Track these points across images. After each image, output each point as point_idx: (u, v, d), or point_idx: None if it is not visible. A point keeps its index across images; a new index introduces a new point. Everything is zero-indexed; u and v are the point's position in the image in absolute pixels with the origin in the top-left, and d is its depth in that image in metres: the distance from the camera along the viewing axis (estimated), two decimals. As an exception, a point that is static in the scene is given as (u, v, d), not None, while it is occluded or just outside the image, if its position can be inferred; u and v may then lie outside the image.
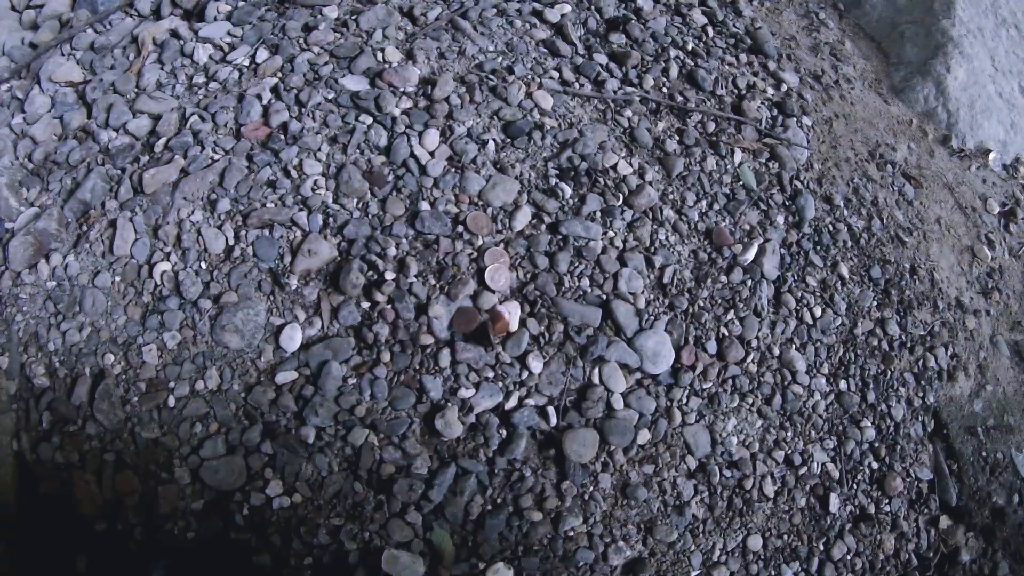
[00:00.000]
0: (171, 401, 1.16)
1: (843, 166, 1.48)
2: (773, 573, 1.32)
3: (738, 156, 1.36)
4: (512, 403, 1.15)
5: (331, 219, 1.17)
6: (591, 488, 1.18)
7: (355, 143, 1.22)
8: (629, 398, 1.20)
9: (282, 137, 1.23)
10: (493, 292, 1.17)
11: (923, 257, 1.51)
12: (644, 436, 1.20)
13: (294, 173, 1.21)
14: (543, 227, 1.20)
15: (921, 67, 1.69)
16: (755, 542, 1.31)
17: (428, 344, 1.13)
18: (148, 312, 1.17)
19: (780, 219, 1.35)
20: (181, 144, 1.27)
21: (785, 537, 1.32)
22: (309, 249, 1.15)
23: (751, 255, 1.29)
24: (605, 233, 1.22)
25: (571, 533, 1.18)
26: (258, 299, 1.15)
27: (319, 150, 1.23)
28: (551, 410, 1.16)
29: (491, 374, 1.14)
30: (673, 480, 1.24)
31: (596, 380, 1.19)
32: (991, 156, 1.71)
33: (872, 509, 1.38)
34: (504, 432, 1.14)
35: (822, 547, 1.34)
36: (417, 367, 1.13)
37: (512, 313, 1.16)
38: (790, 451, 1.34)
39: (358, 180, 1.19)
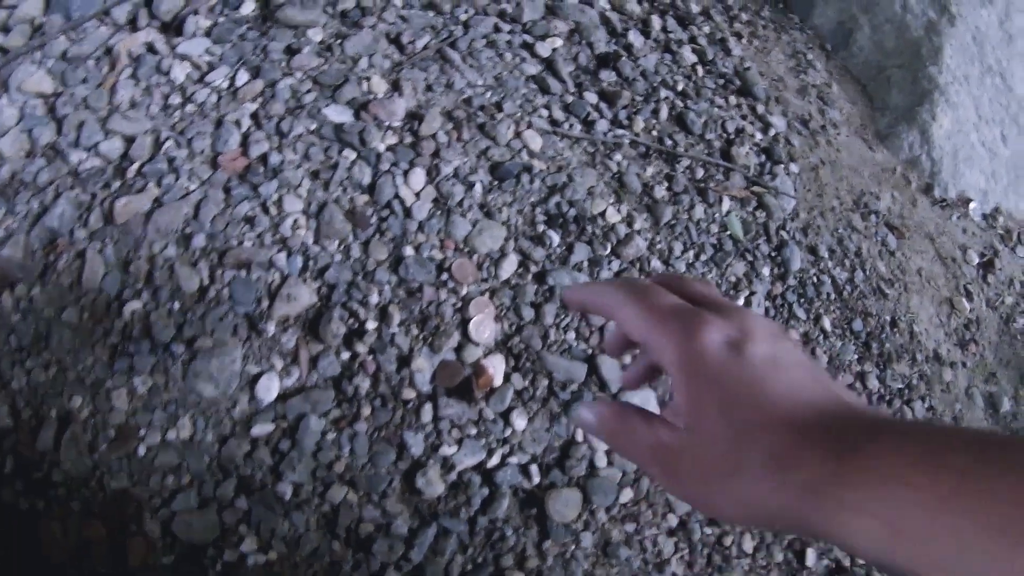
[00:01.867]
0: (141, 450, 1.13)
1: (828, 215, 1.50)
2: None
3: (726, 204, 1.38)
4: (495, 461, 1.15)
5: (311, 262, 1.16)
6: (573, 547, 1.19)
7: (338, 180, 1.21)
8: (612, 456, 1.20)
9: (261, 169, 1.22)
10: (477, 345, 1.17)
11: (903, 309, 1.54)
12: (627, 495, 1.21)
13: (273, 210, 1.19)
14: (530, 276, 1.20)
15: (907, 113, 1.73)
16: None
17: (410, 399, 1.13)
18: (117, 353, 1.15)
19: (766, 271, 1.37)
20: (155, 171, 1.25)
21: (762, 594, 1.32)
22: (288, 294, 1.13)
23: (737, 308, 1.29)
24: (592, 284, 1.21)
25: (552, 594, 1.19)
26: (234, 345, 1.13)
27: (300, 186, 1.22)
28: (534, 468, 1.16)
29: (474, 431, 1.14)
30: (654, 538, 1.25)
31: (580, 438, 1.19)
32: (971, 206, 1.76)
33: (848, 562, 1.42)
34: (486, 491, 1.15)
35: None
36: (398, 422, 1.12)
37: (496, 367, 1.16)
38: None
39: (340, 220, 1.18)
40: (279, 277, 1.18)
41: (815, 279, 1.47)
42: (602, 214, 1.30)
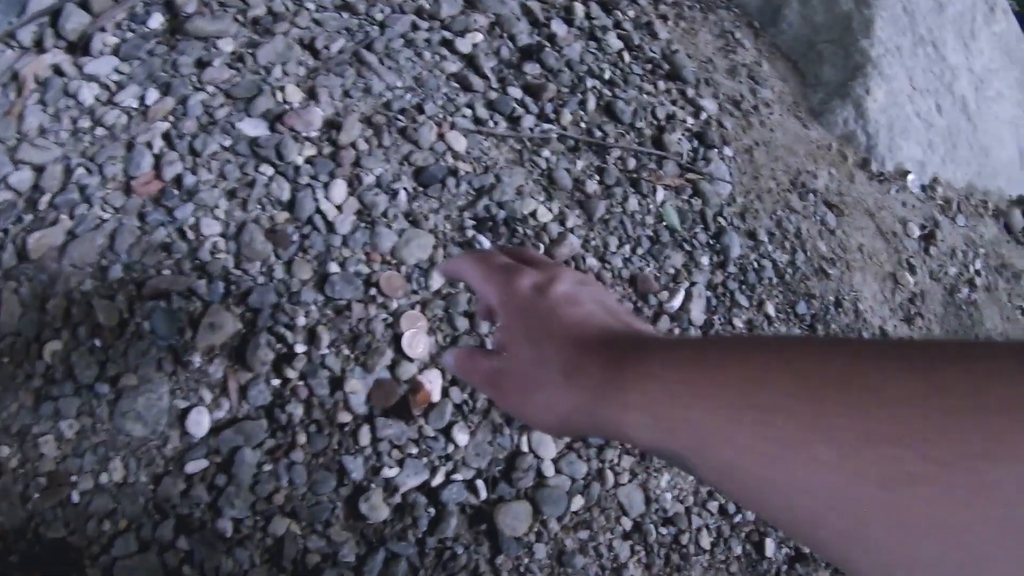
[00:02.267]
0: (75, 497, 1.08)
1: (765, 198, 1.48)
2: None
3: (660, 194, 1.35)
4: (439, 479, 1.12)
5: (233, 287, 1.11)
6: (526, 560, 1.17)
7: (256, 198, 1.16)
8: (560, 463, 1.18)
9: (176, 192, 1.17)
10: (412, 360, 1.14)
11: (847, 288, 1.53)
12: (578, 502, 1.19)
13: (190, 234, 1.15)
14: (461, 285, 1.14)
15: (840, 88, 1.72)
16: None
17: (346, 422, 1.10)
18: (41, 397, 1.09)
19: (705, 260, 1.35)
20: (67, 202, 1.19)
21: (723, 588, 1.31)
22: (211, 323, 1.09)
23: (678, 301, 1.29)
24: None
25: (509, 610, 1.18)
26: (159, 380, 1.09)
27: (217, 207, 1.17)
28: (480, 483, 1.13)
29: (415, 450, 1.11)
30: (609, 543, 1.23)
31: (525, 447, 1.17)
32: (909, 178, 1.76)
33: (807, 550, 1.41)
34: (433, 511, 1.13)
35: None
36: (336, 447, 1.09)
37: (433, 382, 1.13)
38: (724, 501, 1.35)
39: (260, 241, 1.13)
40: (200, 305, 1.13)
41: (756, 264, 1.45)
42: (533, 214, 1.27)
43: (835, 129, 1.76)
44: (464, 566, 1.16)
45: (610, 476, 1.25)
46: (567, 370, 0.49)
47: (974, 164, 1.93)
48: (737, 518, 1.38)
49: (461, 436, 1.15)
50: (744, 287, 1.43)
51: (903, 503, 0.29)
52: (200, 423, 1.10)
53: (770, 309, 1.43)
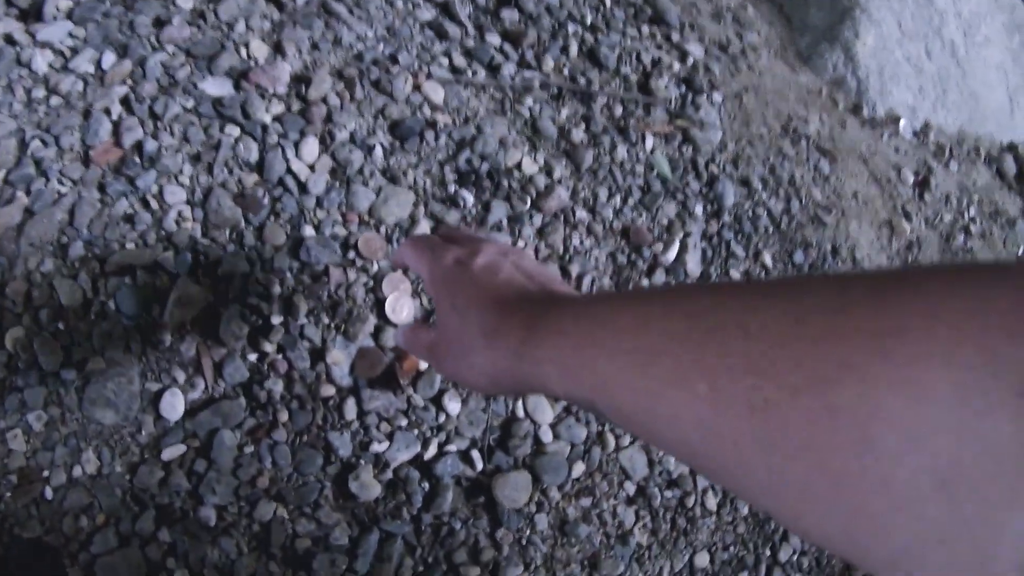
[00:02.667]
0: (48, 493, 0.98)
1: (757, 144, 1.40)
2: None
3: (650, 142, 1.26)
4: (432, 452, 1.03)
5: (202, 257, 1.02)
6: (528, 532, 1.08)
7: (222, 161, 1.06)
8: (558, 428, 1.09)
9: (137, 160, 1.07)
10: (396, 326, 1.02)
11: (843, 235, 1.46)
12: (579, 468, 1.10)
13: (154, 203, 1.05)
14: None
15: (828, 32, 1.63)
16: (702, 559, 1.27)
17: (330, 396, 1.01)
18: (6, 389, 0.99)
19: (699, 209, 1.26)
20: (23, 177, 1.07)
21: (731, 549, 1.28)
22: (179, 297, 0.99)
23: (673, 253, 1.20)
24: (515, 243, 1.08)
25: (512, 585, 1.10)
26: (128, 362, 0.99)
27: (181, 172, 1.07)
28: (475, 454, 1.05)
29: (404, 422, 1.01)
30: (613, 509, 1.15)
31: (521, 413, 1.08)
32: (901, 123, 1.68)
33: None
34: (427, 485, 1.04)
35: (768, 552, 1.30)
36: (320, 424, 0.99)
37: (422, 348, 1.01)
38: None
39: (229, 207, 1.03)
40: (167, 279, 1.03)
41: (751, 213, 1.36)
42: (518, 166, 1.17)
43: (824, 74, 1.67)
44: (463, 542, 1.07)
45: (611, 440, 1.16)
46: (488, 333, 0.52)
47: (965, 110, 1.85)
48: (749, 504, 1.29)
49: (453, 404, 1.06)
50: (740, 237, 1.34)
51: (766, 429, 0.31)
52: (174, 406, 1.00)
53: (767, 259, 1.35)
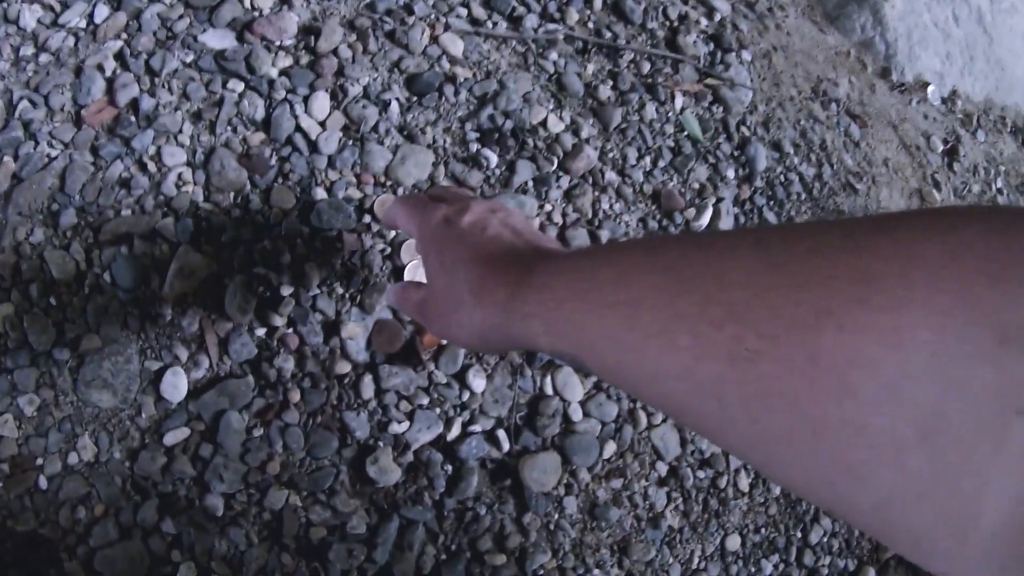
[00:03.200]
0: (43, 482, 0.89)
1: (788, 106, 1.28)
2: (753, 570, 1.17)
3: (679, 101, 1.15)
4: (455, 432, 0.92)
5: (204, 223, 0.90)
6: (556, 516, 0.98)
7: (225, 118, 0.95)
8: (588, 406, 0.99)
9: (133, 119, 0.96)
10: None
11: (875, 203, 1.35)
12: (610, 448, 0.99)
13: (152, 166, 0.93)
14: (469, 208, 0.93)
15: (855, -9, 1.49)
16: (733, 542, 1.17)
17: (345, 373, 0.89)
18: None
19: (730, 173, 1.15)
20: (9, 141, 0.96)
21: (763, 531, 1.19)
22: (180, 267, 0.87)
23: (705, 219, 1.09)
24: (542, 207, 0.97)
25: (540, 571, 1.00)
26: (126, 339, 0.89)
27: (180, 132, 0.96)
28: (501, 434, 0.94)
29: (426, 400, 0.90)
30: (644, 491, 1.05)
31: (549, 390, 0.97)
32: (929, 89, 1.58)
33: None
34: (450, 468, 0.93)
35: (799, 534, 1.20)
36: (335, 403, 0.88)
37: (444, 320, 0.90)
38: None
39: (233, 168, 0.92)
40: (167, 248, 0.92)
41: (783, 178, 1.25)
42: (543, 123, 1.05)
43: (852, 35, 1.55)
44: (488, 528, 0.96)
45: (643, 417, 1.05)
46: (476, 290, 0.50)
47: (991, 78, 1.74)
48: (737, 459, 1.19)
49: (477, 381, 0.95)
50: (772, 203, 1.23)
51: (748, 379, 0.30)
52: (176, 386, 0.89)
53: (800, 227, 1.23)
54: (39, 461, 0.89)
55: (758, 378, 0.29)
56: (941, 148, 1.56)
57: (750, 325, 0.30)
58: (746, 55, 1.31)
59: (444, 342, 0.93)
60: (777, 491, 1.19)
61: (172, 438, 0.88)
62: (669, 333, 0.33)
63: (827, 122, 1.38)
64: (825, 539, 1.23)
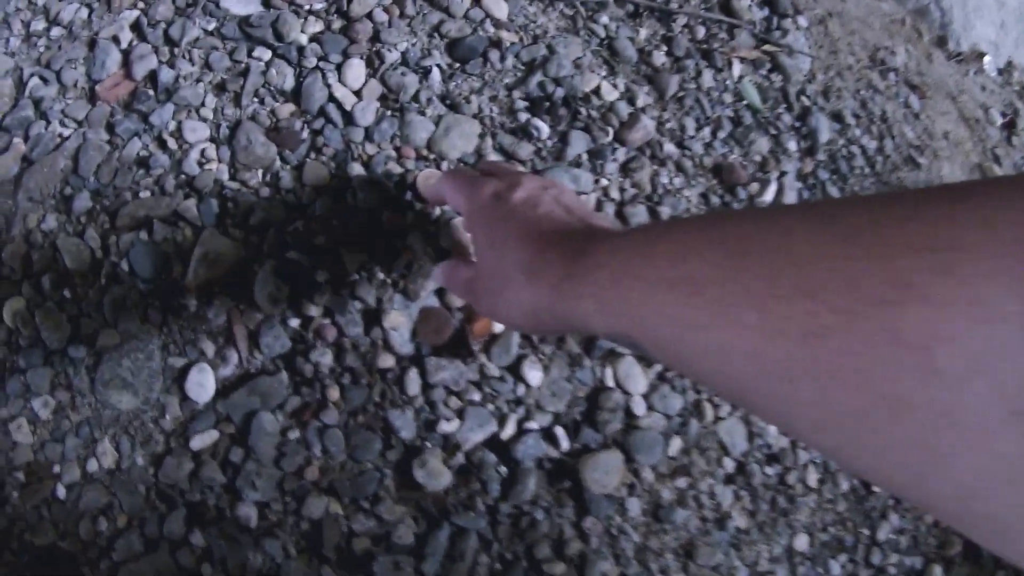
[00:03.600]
0: (61, 491, 0.79)
1: (846, 75, 1.17)
2: (820, 571, 1.05)
3: (737, 69, 1.04)
4: (510, 430, 0.81)
5: (230, 204, 0.80)
6: (618, 519, 0.87)
7: (251, 89, 0.84)
8: (652, 398, 0.88)
9: (151, 92, 0.86)
10: None
11: (936, 179, 1.24)
12: (675, 444, 0.88)
13: (172, 142, 0.83)
14: (519, 184, 0.82)
15: (910, -47, 1.37)
16: (801, 541, 1.05)
17: (388, 367, 0.79)
18: (6, 372, 0.80)
19: (792, 145, 1.04)
20: (19, 121, 0.87)
21: (831, 529, 1.09)
22: (205, 253, 0.77)
23: (770, 194, 0.98)
24: (597, 181, 0.86)
25: (602, 581, 0.89)
26: (146, 334, 0.79)
27: (203, 105, 0.86)
28: (560, 431, 0.83)
29: (477, 395, 0.80)
30: (711, 490, 0.94)
31: (610, 381, 0.85)
32: (985, 60, 1.46)
33: None
34: (505, 470, 0.83)
35: (868, 532, 1.09)
36: (378, 401, 0.77)
37: (496, 306, 0.79)
38: None
39: (261, 143, 0.81)
40: (191, 232, 0.81)
41: (845, 151, 1.14)
42: (596, 91, 0.94)
43: (907, 2, 1.43)
44: (546, 534, 0.85)
45: (708, 409, 0.94)
46: (527, 269, 0.48)
47: (1045, 48, 1.61)
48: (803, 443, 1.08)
49: (533, 373, 0.83)
50: (835, 177, 1.11)
51: (821, 357, 0.28)
52: (203, 385, 0.78)
53: (864, 203, 1.12)
54: (56, 468, 0.79)
55: (832, 355, 0.27)
56: (1000, 121, 1.43)
57: (823, 299, 0.27)
58: (802, 21, 1.19)
59: (497, 331, 0.82)
60: (846, 486, 1.08)
61: (199, 442, 0.78)
62: (734, 310, 0.31)
63: (886, 92, 1.26)
64: (893, 536, 1.12)
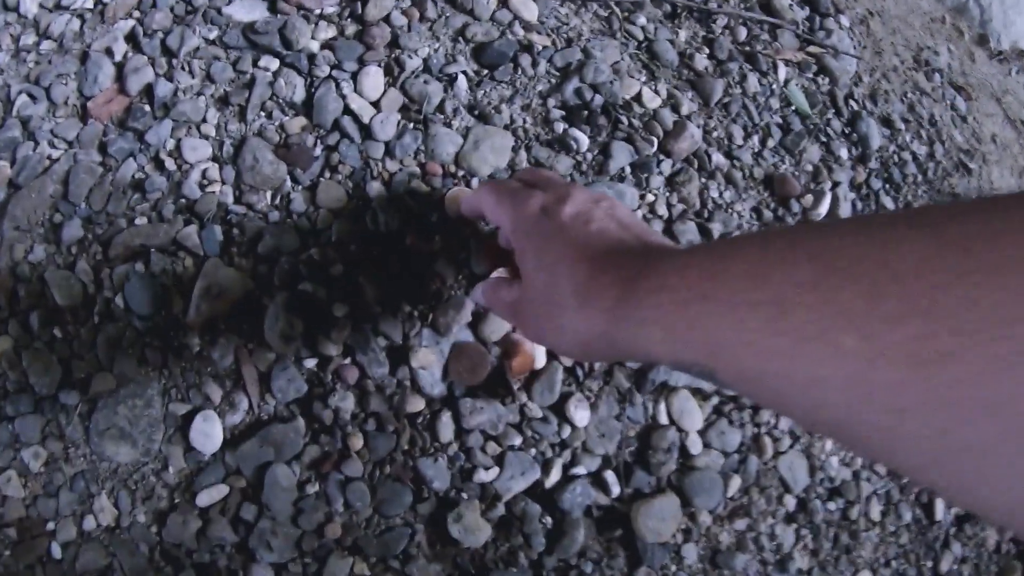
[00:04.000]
0: (56, 551, 0.69)
1: (892, 77, 1.07)
2: None
3: (782, 72, 0.94)
4: (555, 477, 0.70)
5: (236, 231, 0.69)
6: (673, 568, 0.77)
7: (257, 102, 0.74)
8: (708, 435, 0.76)
9: (147, 108, 0.76)
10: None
11: (987, 184, 1.14)
12: (734, 484, 0.76)
13: (170, 163, 0.73)
14: (556, 200, 0.72)
15: (948, -51, 1.27)
16: None
17: (418, 411, 0.68)
18: None
19: (843, 152, 0.94)
20: (6, 142, 0.77)
21: (893, 563, 0.97)
22: (208, 286, 0.66)
23: (824, 207, 0.88)
24: (643, 197, 0.76)
25: (657, 639, 0.78)
26: (145, 378, 0.68)
27: (204, 120, 0.76)
28: (610, 475, 0.72)
29: (518, 440, 0.69)
30: (771, 530, 0.83)
31: (664, 418, 0.74)
32: (1028, 57, 1.33)
33: None
34: (550, 520, 0.72)
35: (930, 564, 0.99)
36: (407, 449, 0.67)
37: (535, 340, 0.68)
38: None
39: (269, 161, 0.71)
40: (192, 262, 0.71)
41: (896, 157, 1.04)
42: (637, 98, 0.84)
43: (946, 0, 1.33)
44: (595, 589, 0.74)
45: (768, 444, 0.83)
46: (580, 293, 0.43)
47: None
48: (905, 478, 0.98)
49: (579, 413, 0.72)
50: (889, 186, 1.01)
51: (938, 384, 0.24)
52: (209, 434, 0.67)
53: (918, 212, 1.01)
54: (50, 526, 0.69)
55: (952, 383, 0.23)
56: (1046, 122, 1.33)
57: (940, 320, 0.24)
58: (844, 20, 1.08)
59: (539, 366, 0.71)
60: (908, 517, 0.97)
61: (207, 497, 0.67)
62: (830, 334, 0.27)
63: (933, 94, 1.15)
64: (956, 567, 1.02)
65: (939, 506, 1.00)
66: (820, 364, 0.28)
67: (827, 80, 1.00)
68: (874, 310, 0.26)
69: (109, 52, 0.81)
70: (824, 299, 0.28)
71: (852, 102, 1.02)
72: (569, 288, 0.44)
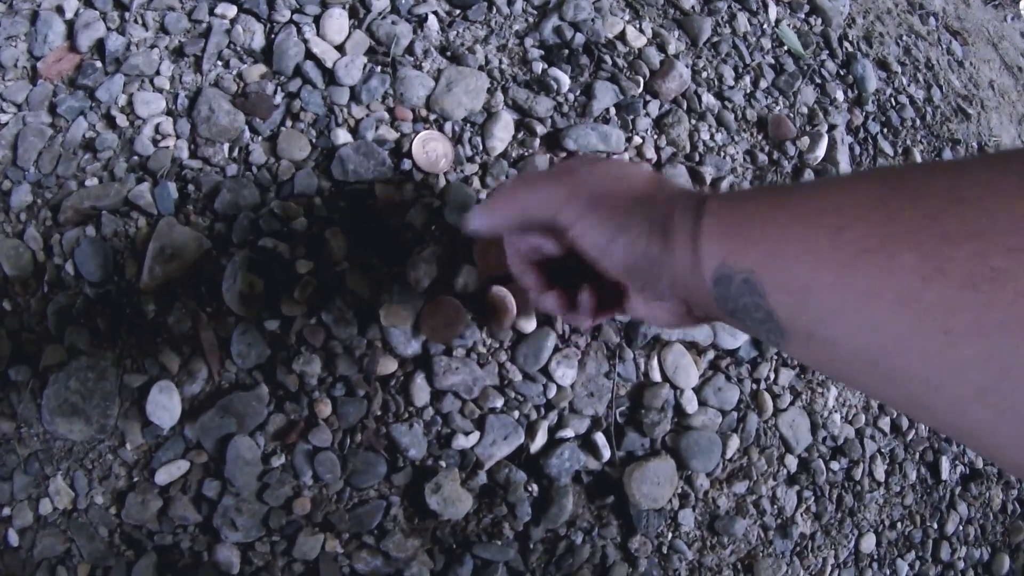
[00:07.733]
0: (12, 537, 0.62)
1: (886, 19, 1.00)
2: (888, 572, 0.89)
3: (773, 12, 0.86)
4: (540, 441, 0.63)
5: (191, 187, 0.61)
6: (669, 536, 0.69)
7: (213, 51, 0.66)
8: (704, 392, 0.68)
9: (98, 64, 0.68)
10: (476, 265, 0.61)
11: (986, 131, 1.08)
12: (733, 444, 0.69)
13: (122, 119, 0.65)
14: (536, 143, 0.66)
15: None
16: (868, 542, 0.88)
17: (391, 373, 0.59)
18: None
19: (839, 95, 0.86)
20: None
21: (899, 526, 0.91)
22: (162, 247, 0.58)
23: (821, 150, 0.80)
24: (629, 139, 0.68)
25: (653, 608, 0.71)
26: (97, 348, 0.60)
27: (158, 73, 0.68)
28: (599, 437, 0.64)
29: (500, 401, 0.62)
30: (772, 493, 0.77)
31: (656, 375, 0.66)
32: (1021, 4, 1.25)
33: (980, 463, 0.99)
34: (536, 488, 0.64)
35: (936, 525, 0.94)
36: (379, 415, 0.59)
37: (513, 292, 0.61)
38: (895, 414, 0.91)
39: (226, 112, 0.63)
40: (145, 223, 0.63)
41: (893, 101, 0.96)
42: (621, 36, 0.76)
43: (938, -59, 1.25)
44: (587, 559, 0.67)
45: (768, 400, 0.76)
46: (638, 197, 0.40)
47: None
48: (911, 434, 0.90)
49: (565, 371, 0.65)
50: (887, 130, 0.93)
51: (992, 305, 0.23)
52: (167, 406, 0.60)
53: (917, 157, 0.95)
54: (5, 511, 0.62)
55: (1007, 305, 0.22)
56: (1043, 69, 1.26)
57: (996, 240, 0.22)
58: (836, -40, 1.01)
59: (528, 330, 0.64)
60: (913, 475, 0.90)
61: (167, 474, 0.60)
62: (889, 248, 0.25)
63: (928, 38, 1.08)
64: (961, 527, 0.95)
65: (944, 464, 0.93)
66: (876, 278, 0.26)
67: (820, 21, 0.92)
68: (934, 228, 0.25)
69: (59, 10, 0.73)
70: (887, 216, 0.26)
71: (846, 43, 0.94)
72: (626, 199, 0.40)
